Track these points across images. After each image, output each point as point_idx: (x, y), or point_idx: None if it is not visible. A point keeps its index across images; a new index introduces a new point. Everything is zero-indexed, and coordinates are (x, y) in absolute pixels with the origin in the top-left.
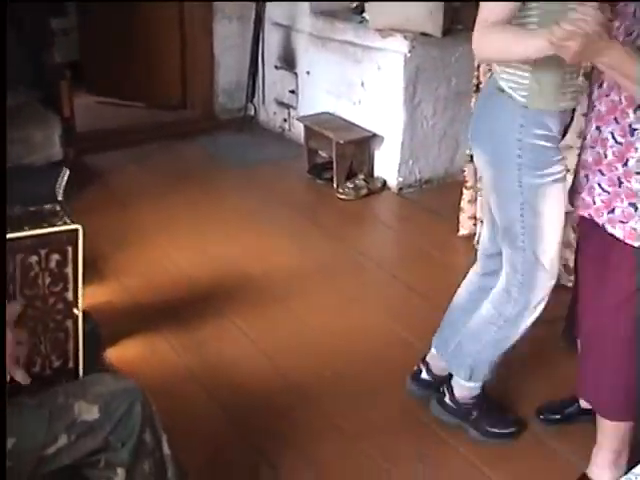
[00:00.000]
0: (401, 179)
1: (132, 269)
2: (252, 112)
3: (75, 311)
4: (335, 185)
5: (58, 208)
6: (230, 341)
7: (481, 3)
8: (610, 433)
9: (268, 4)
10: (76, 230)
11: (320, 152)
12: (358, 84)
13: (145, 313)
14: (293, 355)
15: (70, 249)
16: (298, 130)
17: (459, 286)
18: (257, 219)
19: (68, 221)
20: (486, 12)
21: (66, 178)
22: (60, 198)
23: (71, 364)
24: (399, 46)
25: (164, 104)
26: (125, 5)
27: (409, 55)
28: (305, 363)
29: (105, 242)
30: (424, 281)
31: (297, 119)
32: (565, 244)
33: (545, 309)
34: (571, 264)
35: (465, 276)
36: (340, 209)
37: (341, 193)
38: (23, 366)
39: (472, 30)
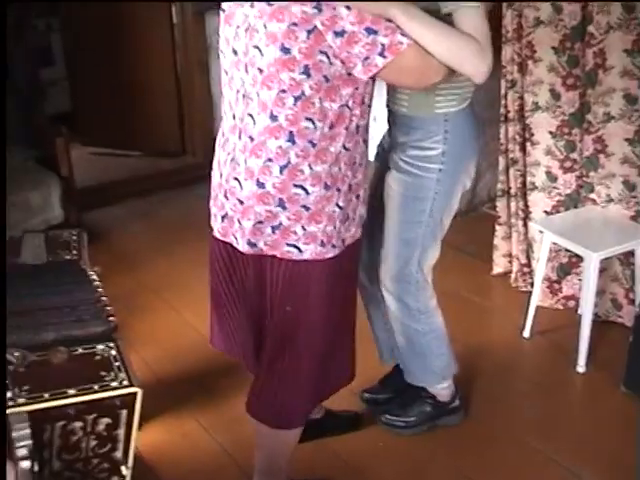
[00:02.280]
0: None
1: (149, 338)
2: None
3: (123, 470)
4: None
5: (114, 352)
6: None
7: None
8: None
9: None
10: (134, 394)
11: None
12: (370, 119)
13: (169, 390)
14: None
15: (124, 412)
16: None
17: (496, 328)
18: None
19: (125, 379)
20: None
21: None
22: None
23: None
24: None
25: (162, 151)
26: (115, 49)
27: None
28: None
29: (118, 310)
30: (463, 328)
31: None
32: (612, 278)
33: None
34: (619, 299)
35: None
36: None
37: None
38: None
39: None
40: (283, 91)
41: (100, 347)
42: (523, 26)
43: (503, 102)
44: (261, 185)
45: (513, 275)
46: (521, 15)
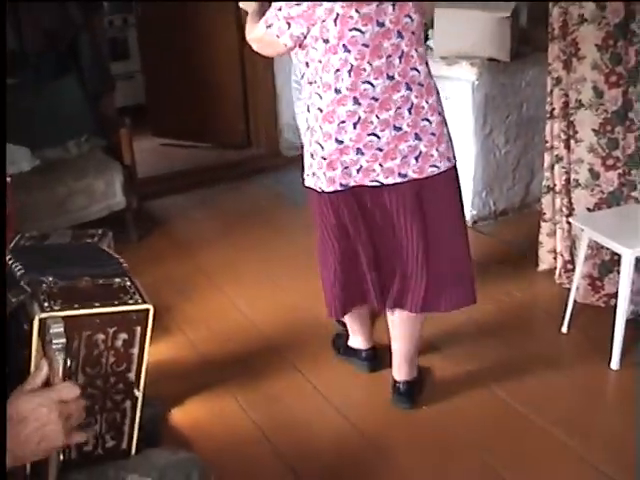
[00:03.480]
0: (475, 212)
1: (198, 320)
2: None
3: (136, 392)
4: None
5: (129, 283)
6: (301, 396)
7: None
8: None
9: None
10: (147, 310)
11: None
12: None
13: (211, 368)
14: (367, 411)
15: (139, 329)
16: None
17: (535, 323)
18: None
19: (139, 299)
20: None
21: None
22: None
23: (124, 445)
24: (466, 74)
25: (229, 143)
26: (187, 46)
27: (477, 83)
28: (380, 418)
29: (170, 292)
30: (504, 323)
31: None
32: None
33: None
34: None
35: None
36: None
37: None
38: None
39: (543, 51)
40: (422, 46)
41: (117, 280)
42: (568, 24)
43: (549, 99)
44: (439, 113)
45: (557, 271)
46: (567, 12)
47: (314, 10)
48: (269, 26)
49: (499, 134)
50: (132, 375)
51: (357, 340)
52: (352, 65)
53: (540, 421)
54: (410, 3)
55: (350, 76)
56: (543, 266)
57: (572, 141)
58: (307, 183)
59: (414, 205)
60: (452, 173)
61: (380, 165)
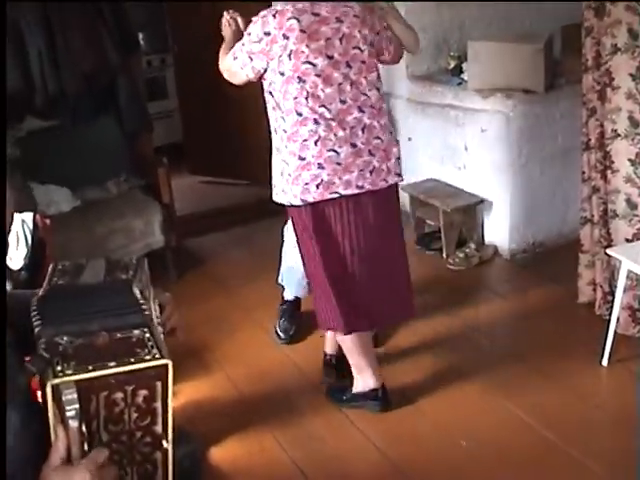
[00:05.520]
0: (513, 245)
1: (238, 358)
2: None
3: (164, 444)
4: (445, 255)
5: (148, 335)
6: (340, 434)
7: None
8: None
9: None
10: (166, 365)
11: (428, 221)
12: (462, 148)
13: (250, 406)
14: (406, 446)
15: (159, 384)
16: (403, 199)
17: (574, 355)
18: None
19: (157, 354)
20: None
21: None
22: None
23: None
24: (501, 106)
25: (267, 180)
26: (223, 84)
27: (512, 114)
28: (422, 455)
29: (210, 331)
30: (543, 357)
31: (401, 188)
32: None
33: None
34: None
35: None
36: (451, 280)
37: (452, 263)
38: None
39: (576, 83)
40: (378, 72)
41: (136, 332)
42: (601, 54)
43: (584, 130)
44: (390, 132)
45: (597, 303)
46: (599, 43)
47: (271, 47)
48: (235, 58)
49: (534, 165)
50: (159, 427)
51: (366, 380)
52: (308, 92)
53: (578, 454)
54: (358, 35)
55: (308, 102)
56: (582, 298)
57: (608, 172)
58: (278, 199)
59: (368, 215)
60: (396, 187)
61: (339, 178)
